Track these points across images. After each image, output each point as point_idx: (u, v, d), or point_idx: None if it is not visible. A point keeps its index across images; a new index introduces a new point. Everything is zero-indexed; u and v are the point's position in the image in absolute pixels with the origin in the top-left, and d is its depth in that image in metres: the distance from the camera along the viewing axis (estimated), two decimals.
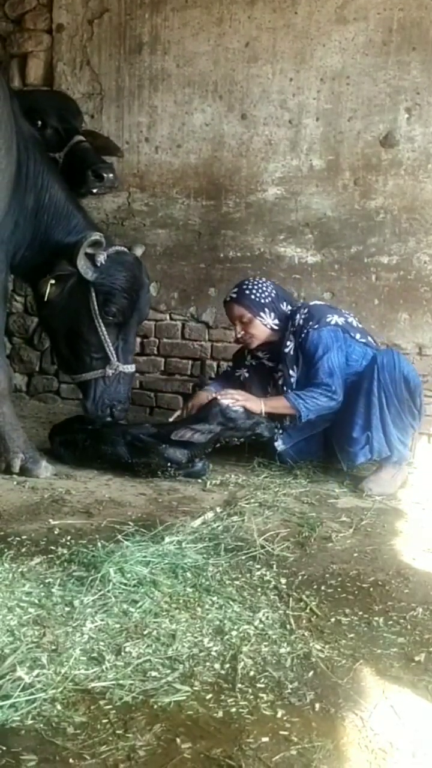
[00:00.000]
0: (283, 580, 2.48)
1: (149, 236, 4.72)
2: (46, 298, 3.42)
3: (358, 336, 3.68)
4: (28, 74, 4.88)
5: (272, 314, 3.72)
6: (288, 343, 3.67)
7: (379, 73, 4.22)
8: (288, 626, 2.18)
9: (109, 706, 1.77)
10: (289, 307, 3.77)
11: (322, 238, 4.47)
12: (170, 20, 4.57)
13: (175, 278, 4.76)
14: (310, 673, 1.95)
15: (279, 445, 3.75)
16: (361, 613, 2.29)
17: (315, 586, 2.46)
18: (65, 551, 2.61)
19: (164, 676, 1.90)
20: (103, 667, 1.92)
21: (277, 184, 4.50)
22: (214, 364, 4.74)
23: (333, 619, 2.24)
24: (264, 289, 3.74)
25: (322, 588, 2.45)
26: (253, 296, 3.71)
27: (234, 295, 3.76)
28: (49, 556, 2.58)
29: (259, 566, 2.58)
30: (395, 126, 4.24)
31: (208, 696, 1.83)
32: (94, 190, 3.93)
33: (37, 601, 2.24)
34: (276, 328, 3.73)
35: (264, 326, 3.73)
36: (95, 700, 1.80)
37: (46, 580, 2.38)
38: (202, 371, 4.75)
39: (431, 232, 4.24)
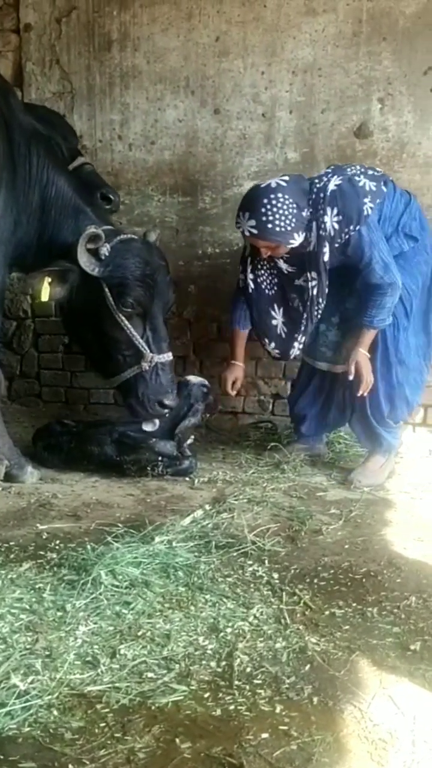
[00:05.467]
0: (276, 575, 2.48)
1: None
2: (46, 298, 3.29)
3: (378, 201, 3.32)
4: None
5: (299, 233, 3.29)
6: (324, 249, 3.32)
7: (350, 65, 4.22)
8: (282, 621, 2.18)
9: (107, 710, 1.76)
10: (310, 211, 3.31)
11: None
12: (139, 16, 4.53)
13: None
14: (307, 667, 1.95)
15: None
16: (354, 604, 2.30)
17: (308, 580, 2.46)
18: (55, 556, 2.59)
19: (160, 676, 1.90)
20: (99, 670, 1.91)
21: (253, 178, 4.47)
22: (197, 361, 4.72)
23: (327, 612, 2.24)
24: (286, 212, 3.23)
25: (315, 581, 2.45)
26: (277, 228, 3.24)
27: (254, 230, 3.28)
28: (39, 561, 2.56)
29: (250, 562, 2.58)
30: (368, 117, 4.24)
31: (206, 695, 1.83)
32: None
33: (28, 607, 2.22)
34: (302, 240, 3.34)
35: (293, 246, 3.34)
36: (92, 704, 1.78)
37: (37, 586, 2.36)
38: (185, 369, 4.72)
39: None
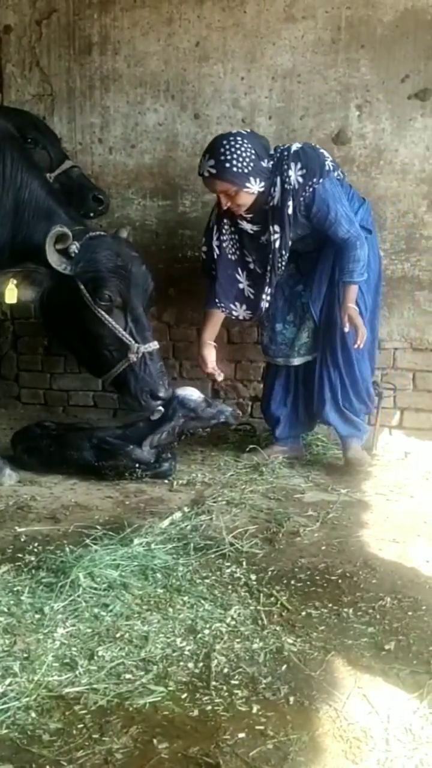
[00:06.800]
0: (253, 577, 2.50)
1: None
2: (13, 300, 3.26)
3: (338, 171, 3.59)
4: None
5: (257, 179, 3.39)
6: (288, 203, 3.43)
7: (329, 71, 4.26)
8: (260, 622, 2.20)
9: (84, 711, 1.77)
10: (271, 162, 3.45)
11: None
12: (119, 20, 4.54)
13: None
14: (284, 667, 1.97)
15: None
16: (330, 605, 2.32)
17: (285, 581, 2.48)
18: (33, 558, 2.59)
19: (138, 678, 1.91)
20: (77, 672, 1.92)
21: None
22: (177, 363, 4.73)
23: (304, 613, 2.27)
24: (244, 155, 3.34)
25: (292, 582, 2.48)
26: (235, 168, 3.34)
27: (213, 170, 3.39)
28: (17, 563, 2.55)
29: (228, 564, 2.60)
30: (347, 123, 4.28)
31: (183, 695, 1.84)
32: (92, 214, 4.11)
33: (6, 610, 2.22)
34: (262, 189, 3.43)
35: (251, 194, 3.43)
36: (70, 705, 1.79)
37: (15, 588, 2.36)
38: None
39: (384, 228, 4.29)
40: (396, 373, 4.32)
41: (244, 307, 3.78)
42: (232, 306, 3.78)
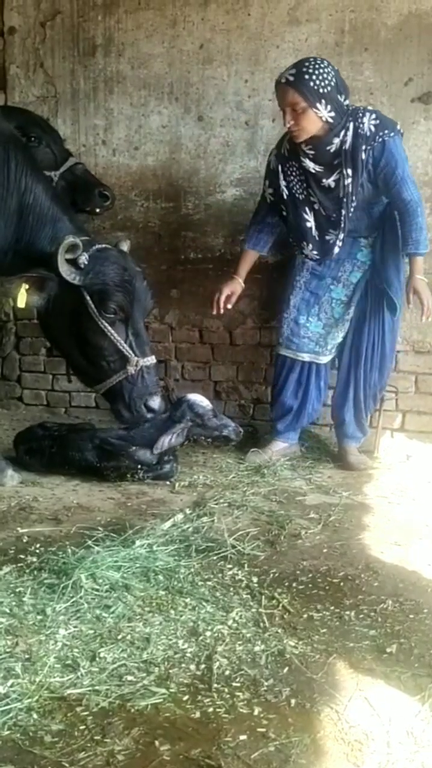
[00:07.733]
0: (255, 579, 2.50)
1: (109, 239, 4.67)
2: (22, 305, 3.28)
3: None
4: None
5: (329, 106, 3.39)
6: (362, 148, 3.45)
7: None
8: (261, 624, 2.20)
9: (86, 713, 1.77)
10: (347, 101, 3.51)
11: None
12: (123, 22, 4.55)
13: None
14: (285, 670, 1.97)
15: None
16: (332, 608, 2.32)
17: (286, 584, 2.48)
18: (35, 559, 2.59)
19: (140, 679, 1.91)
20: (79, 673, 1.92)
21: (236, 185, 4.52)
22: (179, 365, 4.74)
23: (305, 615, 2.27)
24: (325, 76, 3.36)
25: (294, 585, 2.48)
26: (312, 83, 3.34)
27: (291, 77, 3.38)
28: (19, 564, 2.55)
29: (230, 566, 2.60)
30: None
31: (185, 697, 1.84)
32: (98, 210, 4.19)
33: (8, 611, 2.22)
34: (330, 121, 3.43)
35: (318, 119, 3.41)
36: (72, 707, 1.79)
37: (17, 589, 2.36)
38: (166, 373, 4.74)
39: None
40: (398, 376, 4.31)
41: (311, 246, 3.79)
42: (302, 243, 3.81)
